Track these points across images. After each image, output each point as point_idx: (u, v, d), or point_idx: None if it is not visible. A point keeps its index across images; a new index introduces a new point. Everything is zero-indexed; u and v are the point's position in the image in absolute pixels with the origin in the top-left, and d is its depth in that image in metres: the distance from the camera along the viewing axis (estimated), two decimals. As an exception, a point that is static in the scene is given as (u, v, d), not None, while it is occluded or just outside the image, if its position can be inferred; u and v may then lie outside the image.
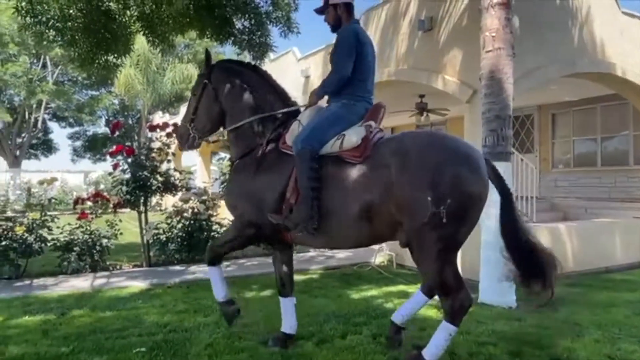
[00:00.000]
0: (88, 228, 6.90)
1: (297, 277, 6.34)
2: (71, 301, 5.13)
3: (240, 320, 3.82)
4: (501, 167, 4.08)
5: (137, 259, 7.48)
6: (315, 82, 9.45)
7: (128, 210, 7.52)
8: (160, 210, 9.03)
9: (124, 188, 6.98)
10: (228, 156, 6.71)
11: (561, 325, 4.24)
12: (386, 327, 3.85)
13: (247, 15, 7.07)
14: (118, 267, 7.12)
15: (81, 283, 6.10)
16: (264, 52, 7.38)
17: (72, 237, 6.75)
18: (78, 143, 33.44)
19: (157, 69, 21.36)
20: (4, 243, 6.28)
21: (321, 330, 4.01)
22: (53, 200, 7.59)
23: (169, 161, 7.60)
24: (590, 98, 10.42)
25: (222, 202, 8.01)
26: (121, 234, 7.37)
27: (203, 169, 18.54)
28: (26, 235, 6.43)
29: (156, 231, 7.46)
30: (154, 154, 7.27)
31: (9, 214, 6.82)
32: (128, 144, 8.14)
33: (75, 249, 6.66)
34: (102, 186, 19.28)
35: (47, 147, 32.14)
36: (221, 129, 3.94)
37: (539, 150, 11.82)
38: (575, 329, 4.13)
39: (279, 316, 3.76)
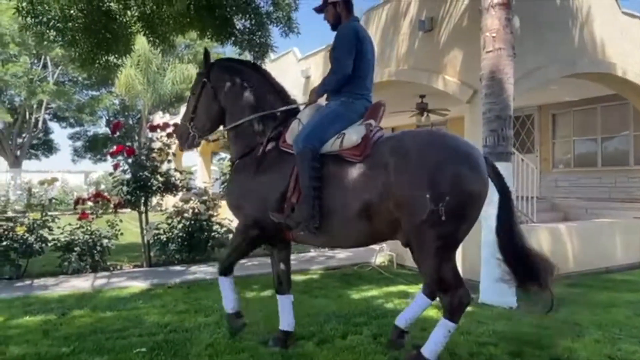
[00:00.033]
0: (89, 228, 6.90)
1: (297, 278, 6.38)
2: (72, 301, 5.13)
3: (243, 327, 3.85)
4: (502, 167, 4.07)
5: (138, 259, 7.49)
6: (316, 82, 9.43)
7: (129, 210, 7.52)
8: (161, 210, 9.03)
9: (125, 188, 6.99)
10: (228, 156, 6.72)
11: (561, 326, 4.24)
12: (387, 327, 3.86)
13: (247, 16, 7.08)
14: (118, 267, 7.13)
15: (82, 283, 6.10)
16: (264, 52, 7.38)
17: (72, 237, 6.75)
18: (79, 143, 33.47)
19: (157, 69, 21.37)
20: (4, 243, 6.29)
21: (322, 331, 4.01)
22: (54, 201, 7.60)
23: (169, 161, 7.60)
24: (591, 98, 10.42)
25: (223, 202, 8.02)
26: (122, 234, 7.37)
27: (203, 169, 18.54)
28: (27, 235, 6.44)
29: (157, 231, 7.46)
30: (154, 154, 7.28)
31: (10, 214, 6.82)
32: (129, 144, 8.12)
33: (75, 249, 6.67)
34: (102, 186, 19.28)
35: (47, 147, 32.16)
36: (221, 127, 3.95)
37: (540, 150, 11.82)
38: (575, 329, 4.13)
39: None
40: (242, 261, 7.47)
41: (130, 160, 7.09)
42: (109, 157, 8.02)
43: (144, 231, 7.27)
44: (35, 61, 25.45)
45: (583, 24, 7.33)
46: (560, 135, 11.61)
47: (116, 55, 7.05)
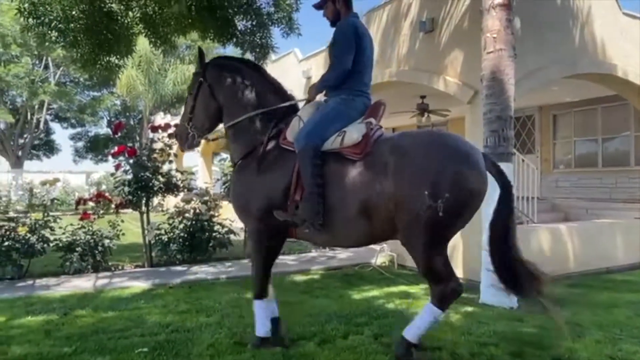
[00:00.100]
0: (90, 228, 6.91)
1: (298, 278, 6.40)
2: (73, 301, 5.14)
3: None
4: (502, 168, 4.09)
5: (139, 260, 7.50)
6: (317, 83, 9.45)
7: (130, 210, 7.53)
8: (162, 210, 9.04)
9: (126, 189, 7.00)
10: (229, 157, 6.74)
11: (562, 326, 4.24)
12: (388, 327, 3.86)
13: (249, 16, 7.09)
14: (120, 267, 7.14)
15: (83, 283, 6.11)
16: (265, 53, 7.39)
17: (74, 237, 6.76)
18: (80, 144, 33.50)
19: (158, 70, 21.38)
20: (6, 243, 6.30)
21: (323, 331, 4.02)
22: (55, 201, 7.61)
23: (170, 162, 7.61)
24: (591, 99, 10.42)
25: (224, 203, 8.05)
26: (123, 234, 7.38)
27: (204, 169, 18.56)
28: (29, 235, 6.44)
29: (158, 232, 7.48)
30: (155, 155, 7.29)
31: (12, 214, 6.84)
32: (130, 144, 8.14)
33: (77, 249, 6.68)
34: (104, 187, 19.28)
35: (49, 147, 32.21)
36: (220, 126, 3.95)
37: (540, 151, 11.82)
38: (576, 330, 4.13)
39: (282, 316, 3.76)
40: (244, 261, 7.53)
41: (131, 161, 7.10)
42: (110, 157, 8.05)
43: (146, 231, 7.28)
44: (37, 62, 25.48)
45: (584, 24, 7.33)
46: (560, 135, 11.61)
47: (117, 56, 7.06)
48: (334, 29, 3.59)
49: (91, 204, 7.36)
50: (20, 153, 26.64)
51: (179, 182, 7.50)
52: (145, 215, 7.38)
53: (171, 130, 7.31)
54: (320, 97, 3.70)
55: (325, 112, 3.46)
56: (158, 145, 7.50)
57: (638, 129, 10.04)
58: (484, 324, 4.27)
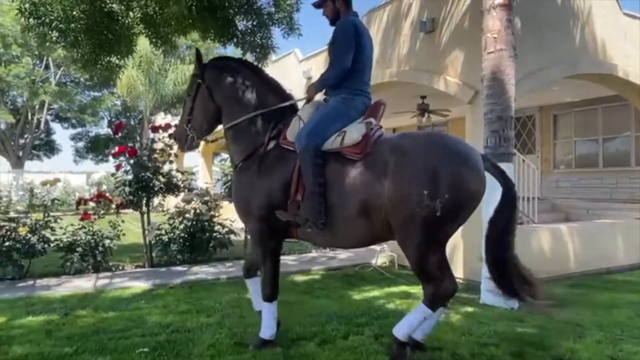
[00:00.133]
0: (91, 229, 6.91)
1: (298, 278, 6.40)
2: (74, 301, 5.14)
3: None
4: (503, 168, 4.09)
5: (140, 260, 7.50)
6: (317, 83, 9.45)
7: (130, 211, 7.54)
8: (163, 211, 9.05)
9: (127, 189, 7.00)
10: (229, 158, 6.74)
11: (563, 326, 4.24)
12: (388, 327, 3.84)
13: (249, 17, 7.09)
14: (120, 267, 7.14)
15: (84, 283, 6.12)
16: (266, 53, 7.39)
17: (74, 237, 6.76)
18: (80, 144, 33.55)
19: (159, 70, 21.38)
20: (7, 244, 6.30)
21: (323, 331, 4.02)
22: (56, 201, 7.61)
23: (171, 162, 7.62)
24: (592, 99, 10.42)
25: (225, 203, 8.05)
26: (124, 234, 7.38)
27: (205, 169, 18.57)
28: (29, 236, 6.45)
29: (158, 232, 7.48)
30: (156, 155, 7.30)
31: (12, 214, 6.84)
32: (130, 145, 8.14)
33: (78, 249, 6.68)
34: (104, 187, 19.28)
35: (49, 148, 32.24)
36: (219, 127, 3.95)
37: (541, 151, 11.81)
38: (577, 330, 4.14)
39: (282, 316, 3.76)
40: (244, 262, 7.52)
41: (132, 161, 7.10)
42: (110, 157, 8.06)
43: (146, 232, 7.29)
44: (38, 62, 25.51)
45: (584, 24, 7.33)
46: (561, 136, 11.61)
47: (118, 56, 7.06)
48: (333, 28, 3.59)
49: (92, 204, 7.36)
50: (20, 153, 26.67)
51: (180, 183, 7.51)
52: (145, 216, 7.38)
53: (172, 131, 7.31)
54: (320, 96, 3.70)
55: (326, 112, 3.46)
56: (158, 146, 7.50)
57: (639, 129, 10.04)
58: (485, 324, 4.27)
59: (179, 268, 7.16)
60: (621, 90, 8.54)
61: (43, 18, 6.13)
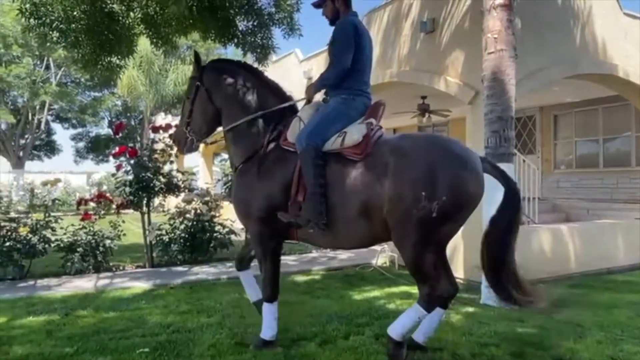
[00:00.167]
0: (91, 229, 6.91)
1: (299, 278, 6.40)
2: (75, 302, 5.15)
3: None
4: (503, 168, 4.10)
5: (140, 260, 7.50)
6: (318, 83, 9.46)
7: (131, 211, 7.54)
8: (163, 211, 9.06)
9: (127, 189, 7.00)
10: (229, 159, 6.74)
11: (563, 327, 4.24)
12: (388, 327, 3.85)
13: (250, 17, 7.10)
14: (121, 267, 7.15)
15: (84, 284, 6.12)
16: (266, 53, 7.39)
17: (75, 238, 6.77)
18: (81, 144, 33.59)
19: (159, 71, 21.38)
20: (7, 244, 6.30)
21: (324, 331, 4.02)
22: (56, 201, 7.61)
23: (171, 162, 7.62)
24: (592, 99, 10.42)
25: (225, 203, 8.06)
26: (124, 234, 7.39)
27: (205, 170, 18.60)
28: (30, 236, 6.45)
29: (159, 232, 7.48)
30: (156, 155, 7.30)
31: (13, 215, 6.85)
32: (131, 145, 8.15)
33: (78, 249, 6.68)
34: (105, 187, 19.29)
35: (50, 148, 32.28)
36: (219, 129, 3.94)
37: (541, 151, 11.81)
38: (577, 330, 4.14)
39: (283, 317, 3.77)
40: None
41: (132, 161, 7.10)
42: (111, 158, 8.05)
43: (147, 232, 7.29)
44: (38, 62, 25.54)
45: (584, 24, 7.33)
46: (561, 136, 11.61)
47: (119, 57, 7.07)
48: (333, 28, 3.60)
49: (92, 204, 7.37)
50: (21, 153, 26.70)
51: (180, 183, 7.51)
52: (146, 216, 7.39)
53: (172, 131, 7.31)
54: (319, 96, 3.70)
55: (326, 113, 3.47)
56: (159, 146, 7.50)
57: (639, 130, 10.04)
58: (485, 325, 4.27)
59: (180, 268, 7.17)
60: (621, 91, 8.55)
61: (44, 18, 6.14)
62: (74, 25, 6.28)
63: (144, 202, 7.25)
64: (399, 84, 8.29)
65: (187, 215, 7.69)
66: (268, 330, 3.59)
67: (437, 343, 3.66)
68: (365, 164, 3.19)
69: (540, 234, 6.51)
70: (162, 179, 7.20)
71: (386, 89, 8.31)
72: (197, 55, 3.93)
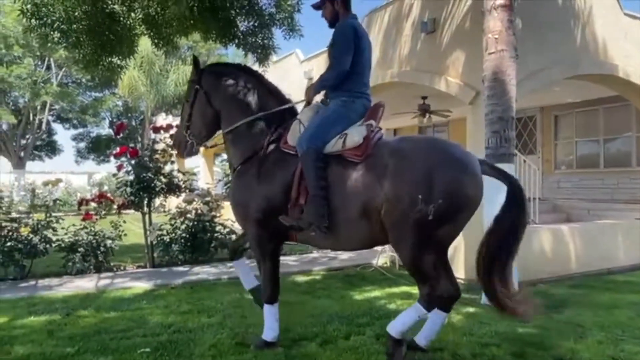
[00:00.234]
0: (92, 229, 6.92)
1: (300, 278, 6.40)
2: (76, 302, 5.15)
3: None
4: (504, 168, 4.10)
5: (141, 260, 7.51)
6: (318, 83, 9.47)
7: (132, 211, 7.54)
8: (164, 211, 9.07)
9: (128, 189, 7.01)
10: (228, 161, 6.75)
11: (564, 327, 4.24)
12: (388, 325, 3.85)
13: (250, 17, 7.11)
14: (122, 268, 7.15)
15: (86, 284, 6.13)
16: (267, 54, 7.40)
17: (76, 238, 6.77)
18: (82, 144, 33.66)
19: (160, 71, 21.41)
20: (9, 244, 6.31)
21: (324, 331, 4.02)
22: (57, 202, 7.62)
23: (172, 162, 7.63)
24: (593, 99, 10.42)
25: (226, 203, 8.05)
26: (125, 235, 7.39)
27: (206, 170, 18.63)
28: (31, 236, 6.46)
29: (160, 232, 7.49)
30: (157, 156, 7.30)
31: (14, 215, 6.86)
32: (132, 145, 8.16)
33: (79, 249, 6.69)
34: (106, 187, 19.32)
35: (51, 148, 32.35)
36: (218, 132, 3.95)
37: (542, 151, 11.82)
38: (578, 331, 4.14)
39: (283, 317, 3.77)
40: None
41: (133, 162, 7.10)
42: (112, 158, 8.07)
43: (147, 232, 7.30)
44: (39, 63, 25.58)
45: (585, 25, 7.34)
46: (562, 136, 11.61)
47: (120, 57, 7.08)
48: (333, 30, 3.60)
49: (93, 204, 7.38)
50: (22, 154, 26.75)
51: (181, 183, 7.51)
52: (147, 216, 7.39)
53: (173, 131, 7.32)
54: (318, 97, 3.70)
55: (326, 115, 3.47)
56: (160, 146, 7.51)
57: (640, 130, 10.05)
58: (486, 325, 4.27)
59: (181, 268, 7.17)
60: (622, 91, 8.55)
61: (45, 19, 6.15)
62: (75, 26, 6.30)
63: (145, 202, 7.26)
64: (400, 84, 8.30)
65: (188, 216, 7.70)
66: (269, 331, 3.60)
67: (437, 343, 3.66)
68: (365, 166, 3.19)
69: (540, 234, 6.51)
70: (163, 179, 7.20)
71: (387, 90, 8.32)
72: (195, 59, 3.94)
